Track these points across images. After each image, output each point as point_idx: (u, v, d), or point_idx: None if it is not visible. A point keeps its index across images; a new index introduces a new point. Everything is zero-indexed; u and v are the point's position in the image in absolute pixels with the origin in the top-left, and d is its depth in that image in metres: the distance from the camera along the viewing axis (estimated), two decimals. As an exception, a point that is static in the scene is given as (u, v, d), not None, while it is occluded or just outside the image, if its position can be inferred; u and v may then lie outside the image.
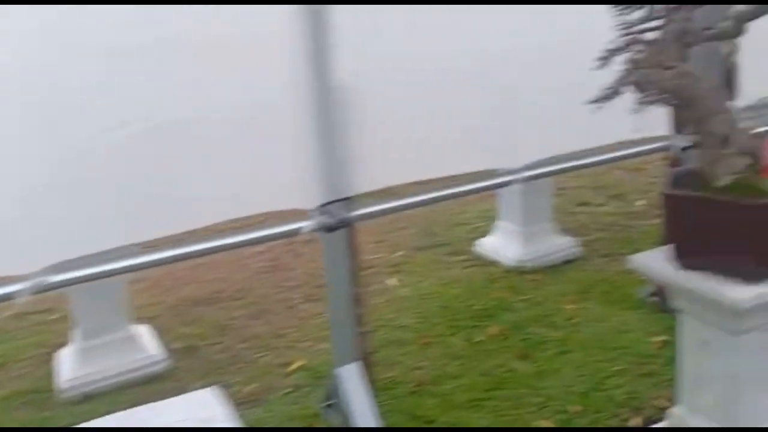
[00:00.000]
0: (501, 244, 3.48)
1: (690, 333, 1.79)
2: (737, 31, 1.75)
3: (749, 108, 3.39)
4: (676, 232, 1.68)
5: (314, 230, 1.94)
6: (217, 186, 1.91)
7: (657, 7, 1.56)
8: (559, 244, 3.41)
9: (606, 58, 1.53)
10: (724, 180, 1.61)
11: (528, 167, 2.22)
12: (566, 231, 3.60)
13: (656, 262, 1.76)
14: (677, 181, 1.71)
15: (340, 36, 1.83)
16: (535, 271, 3.24)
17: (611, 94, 1.50)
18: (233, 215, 2.00)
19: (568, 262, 3.34)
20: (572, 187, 4.38)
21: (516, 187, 3.33)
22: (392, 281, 3.33)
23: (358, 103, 1.93)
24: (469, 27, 2.06)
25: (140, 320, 2.89)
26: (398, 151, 2.05)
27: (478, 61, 2.07)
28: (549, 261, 3.33)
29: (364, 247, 3.84)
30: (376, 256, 3.72)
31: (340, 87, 1.89)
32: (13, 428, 2.51)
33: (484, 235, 3.65)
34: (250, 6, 1.71)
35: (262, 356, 2.74)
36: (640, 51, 1.53)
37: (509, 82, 2.12)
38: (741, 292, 1.55)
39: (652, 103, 1.52)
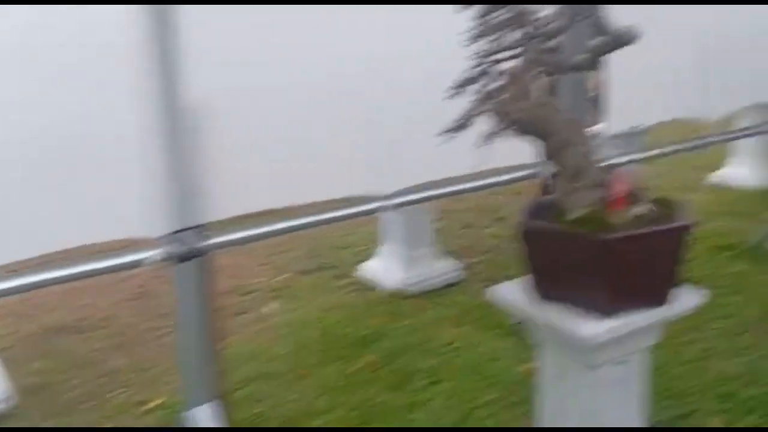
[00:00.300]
0: (384, 268, 3.42)
1: (548, 365, 1.77)
2: (594, 63, 1.77)
3: (619, 137, 3.54)
4: (532, 263, 1.65)
5: (163, 260, 1.80)
6: (62, 210, 1.75)
7: (512, 37, 1.54)
8: (442, 268, 3.40)
9: (459, 87, 1.49)
10: (577, 213, 1.60)
11: (398, 193, 2.17)
12: (450, 254, 3.59)
13: (514, 294, 1.73)
14: (537, 210, 1.69)
15: (193, 49, 1.72)
16: (416, 295, 3.20)
17: (462, 125, 1.46)
18: (79, 242, 1.83)
19: (450, 285, 3.33)
20: (458, 209, 4.41)
21: (397, 210, 3.31)
22: (272, 307, 3.20)
23: (215, 124, 1.81)
24: (339, 47, 1.99)
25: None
26: (260, 176, 1.94)
27: (349, 82, 2.01)
28: (431, 285, 3.30)
29: (247, 271, 3.70)
30: (258, 279, 3.58)
31: (194, 106, 1.77)
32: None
33: (370, 258, 3.59)
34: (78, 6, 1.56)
35: (119, 393, 2.53)
36: (493, 81, 1.50)
37: (378, 107, 2.06)
38: (593, 327, 1.54)
39: (504, 134, 1.49)
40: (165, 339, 2.92)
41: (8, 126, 1.62)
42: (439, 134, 1.46)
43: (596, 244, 1.49)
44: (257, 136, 1.90)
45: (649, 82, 2.69)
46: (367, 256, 3.65)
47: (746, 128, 4.04)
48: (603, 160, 2.50)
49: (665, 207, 1.63)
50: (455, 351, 2.70)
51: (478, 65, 1.52)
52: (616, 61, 2.53)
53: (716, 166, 4.96)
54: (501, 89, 1.49)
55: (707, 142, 3.09)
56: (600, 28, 1.62)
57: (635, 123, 2.98)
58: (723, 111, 3.03)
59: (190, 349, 1.92)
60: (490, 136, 1.45)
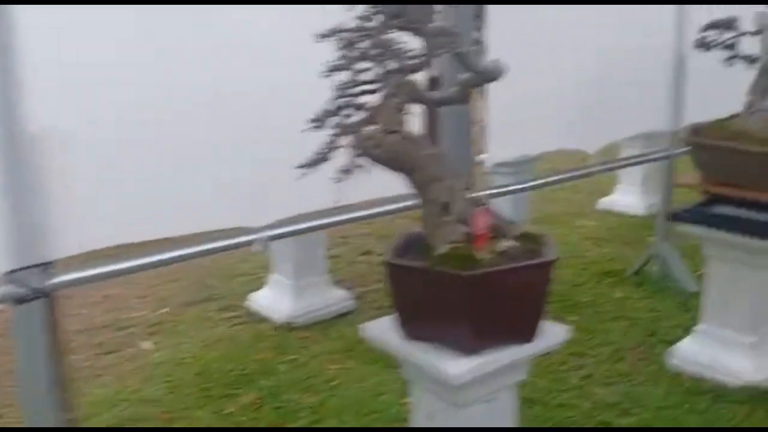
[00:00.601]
0: (273, 299, 3.30)
1: (419, 403, 1.72)
2: (463, 96, 1.76)
3: (508, 165, 3.59)
4: (398, 300, 1.60)
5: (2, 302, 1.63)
6: None
7: (375, 69, 1.49)
8: (333, 298, 3.31)
9: (319, 120, 1.43)
10: (442, 248, 1.57)
11: (272, 226, 2.09)
12: (344, 282, 3.52)
13: (384, 331, 1.67)
14: (405, 245, 1.65)
15: (38, 78, 1.58)
16: (305, 327, 3.10)
17: (319, 159, 1.39)
18: None
19: (341, 316, 3.24)
20: (357, 235, 4.35)
21: (288, 239, 3.21)
22: (147, 344, 3.01)
23: (65, 152, 1.67)
24: (206, 75, 1.88)
25: None
26: (116, 210, 1.80)
27: (213, 112, 1.91)
28: (321, 316, 3.21)
29: (126, 303, 3.48)
30: (137, 313, 3.37)
31: (39, 137, 1.62)
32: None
33: (261, 287, 3.46)
34: None
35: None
36: (353, 114, 1.45)
37: (247, 138, 1.98)
38: (457, 366, 1.50)
39: (364, 167, 1.43)
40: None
41: None
42: (297, 168, 1.39)
43: (457, 281, 1.46)
44: (114, 169, 1.77)
45: (530, 113, 2.74)
46: (259, 285, 3.52)
47: (629, 158, 4.23)
48: (478, 192, 2.53)
49: (531, 242, 1.62)
50: (339, 387, 2.61)
51: (339, 97, 1.46)
52: (495, 92, 2.59)
53: (607, 192, 5.16)
54: (361, 123, 1.44)
55: (590, 171, 3.18)
56: (465, 63, 1.60)
57: (516, 153, 3.04)
58: (603, 142, 3.14)
59: (32, 397, 1.75)
60: (347, 171, 1.39)
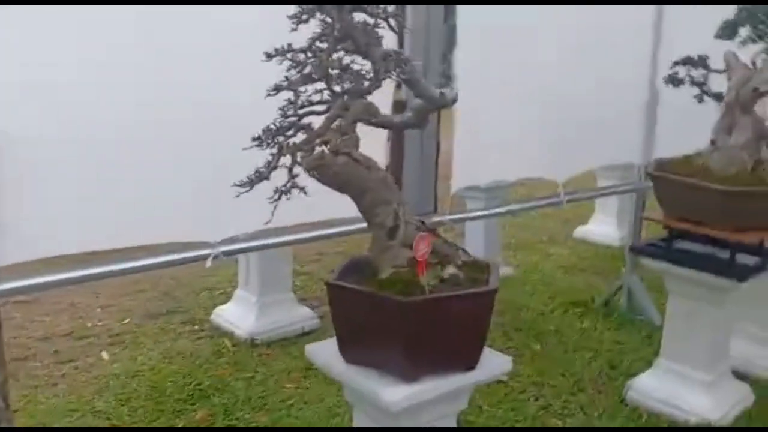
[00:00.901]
0: (237, 314, 3.28)
1: (362, 426, 1.71)
2: (419, 121, 1.77)
3: (481, 191, 3.60)
4: (338, 323, 1.59)
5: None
6: None
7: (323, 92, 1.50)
8: (297, 315, 3.30)
9: (262, 139, 1.43)
10: (386, 272, 1.56)
11: (226, 241, 2.08)
12: (310, 300, 3.50)
13: (327, 354, 1.66)
14: (351, 268, 1.64)
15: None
16: (267, 344, 3.08)
17: (259, 177, 1.39)
18: None
19: (304, 334, 3.22)
20: (335, 251, 4.34)
21: (253, 255, 3.20)
22: (105, 355, 2.97)
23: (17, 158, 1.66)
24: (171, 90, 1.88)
25: None
26: (65, 220, 1.79)
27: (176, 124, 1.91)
28: (284, 333, 3.18)
29: (90, 312, 3.45)
30: (100, 323, 3.34)
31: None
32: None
33: (227, 301, 3.43)
34: None
35: None
36: (297, 134, 1.45)
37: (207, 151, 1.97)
38: (393, 393, 1.48)
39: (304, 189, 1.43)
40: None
41: None
42: (234, 185, 1.38)
43: (394, 306, 1.45)
44: (65, 177, 1.76)
45: (498, 140, 2.75)
46: (225, 299, 3.50)
47: (600, 188, 4.26)
48: (441, 217, 2.54)
49: (477, 270, 1.62)
50: (294, 407, 2.58)
51: (284, 117, 1.47)
52: (462, 118, 2.60)
53: (584, 221, 5.17)
54: (304, 143, 1.44)
55: (556, 201, 3.18)
56: (416, 90, 1.61)
57: (483, 180, 3.05)
58: (571, 172, 3.15)
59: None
60: (283, 191, 1.39)
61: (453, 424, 1.68)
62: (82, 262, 1.86)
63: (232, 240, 2.13)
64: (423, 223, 1.64)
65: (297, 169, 1.44)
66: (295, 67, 1.43)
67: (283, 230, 2.33)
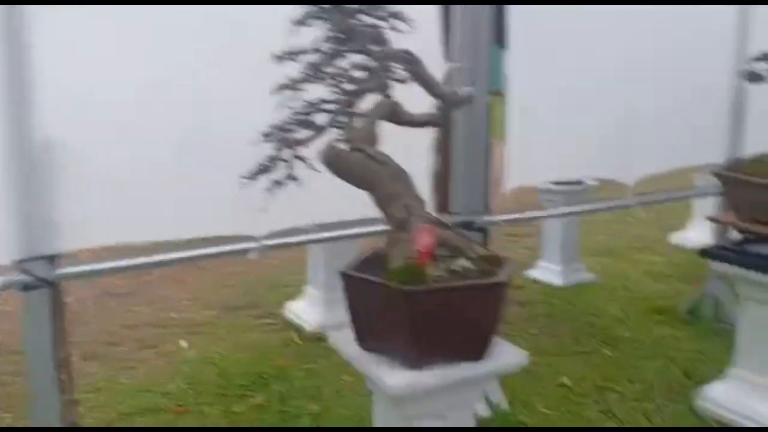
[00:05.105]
0: (307, 309, 3.42)
1: (378, 415, 1.76)
2: (441, 119, 1.81)
3: (562, 191, 3.54)
4: (353, 312, 1.65)
5: (7, 288, 1.83)
6: None
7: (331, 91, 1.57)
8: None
9: (268, 135, 1.51)
10: (397, 263, 1.61)
11: (270, 236, 2.18)
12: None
13: (347, 342, 1.72)
14: (368, 260, 1.70)
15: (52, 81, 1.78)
16: (331, 338, 3.18)
17: (263, 169, 1.48)
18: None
19: (370, 330, 3.29)
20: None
21: (321, 252, 3.33)
22: (182, 343, 3.20)
23: (73, 154, 1.85)
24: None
25: None
26: (124, 211, 1.97)
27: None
28: (349, 329, 3.27)
29: (174, 303, 3.71)
30: (182, 313, 3.59)
31: (49, 139, 1.82)
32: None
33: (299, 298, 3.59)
34: None
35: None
36: (303, 130, 1.53)
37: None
38: (397, 378, 1.53)
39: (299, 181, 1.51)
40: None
41: None
42: (242, 177, 1.48)
43: (399, 295, 1.49)
44: (122, 173, 1.95)
45: (562, 138, 2.70)
46: (299, 295, 3.65)
47: (672, 190, 4.01)
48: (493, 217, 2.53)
49: (489, 263, 1.63)
50: (345, 397, 2.66)
51: (298, 113, 1.55)
52: (528, 115, 2.57)
53: (682, 225, 4.92)
54: (309, 139, 1.52)
55: (626, 204, 3.05)
56: (429, 89, 1.65)
57: (541, 179, 3.00)
58: (641, 173, 3.02)
59: (38, 377, 1.94)
60: (277, 185, 1.48)
61: (467, 418, 1.69)
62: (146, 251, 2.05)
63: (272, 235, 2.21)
64: (435, 217, 1.67)
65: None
66: (306, 68, 1.51)
67: (344, 224, 2.43)
